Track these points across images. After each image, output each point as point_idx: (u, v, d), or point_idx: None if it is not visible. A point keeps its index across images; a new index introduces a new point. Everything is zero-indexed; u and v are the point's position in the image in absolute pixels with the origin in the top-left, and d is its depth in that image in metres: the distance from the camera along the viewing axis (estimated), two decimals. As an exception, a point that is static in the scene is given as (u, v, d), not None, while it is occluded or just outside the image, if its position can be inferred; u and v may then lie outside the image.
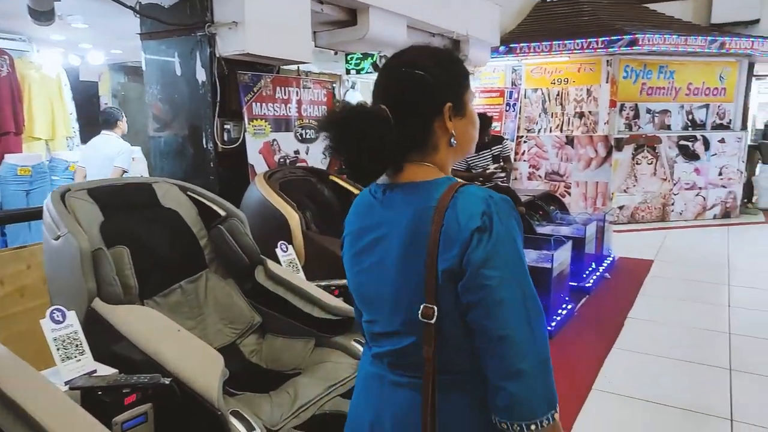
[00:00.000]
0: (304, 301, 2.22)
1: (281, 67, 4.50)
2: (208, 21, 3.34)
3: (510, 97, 8.06)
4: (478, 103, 8.23)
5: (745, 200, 8.46)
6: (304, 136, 3.88)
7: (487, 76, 8.33)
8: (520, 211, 4.78)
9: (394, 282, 0.99)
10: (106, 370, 1.73)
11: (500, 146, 5.00)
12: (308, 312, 2.18)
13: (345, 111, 0.98)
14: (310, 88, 3.89)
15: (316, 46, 4.69)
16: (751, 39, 7.27)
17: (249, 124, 3.49)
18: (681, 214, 7.72)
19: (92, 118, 8.62)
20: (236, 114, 3.54)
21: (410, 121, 0.99)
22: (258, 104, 3.54)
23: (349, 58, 8.60)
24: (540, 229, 4.97)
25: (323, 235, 2.75)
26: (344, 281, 1.60)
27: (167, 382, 1.57)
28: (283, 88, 3.70)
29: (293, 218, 2.60)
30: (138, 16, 3.47)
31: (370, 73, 8.98)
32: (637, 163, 7.49)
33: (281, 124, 3.72)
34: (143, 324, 1.80)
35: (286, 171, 3.10)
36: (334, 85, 4.05)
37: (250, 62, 3.60)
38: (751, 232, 7.09)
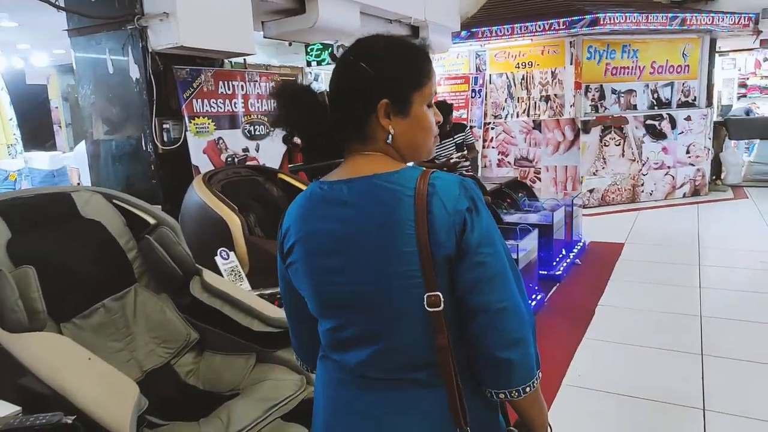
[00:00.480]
0: (242, 314, 2.03)
1: (234, 61, 4.28)
2: (138, 13, 3.10)
3: (475, 84, 7.91)
4: (443, 90, 8.07)
5: (714, 177, 8.48)
6: (252, 133, 3.67)
7: (451, 62, 8.16)
8: (486, 200, 4.66)
9: (375, 280, 0.94)
10: (7, 408, 1.53)
11: (463, 134, 4.85)
12: (247, 325, 2.00)
13: (279, 92, 1.01)
14: (256, 81, 3.67)
15: (265, 37, 4.46)
16: (711, 14, 7.24)
17: (190, 122, 3.26)
18: (651, 194, 7.69)
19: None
20: (176, 112, 3.31)
21: (345, 109, 0.98)
22: (199, 101, 3.32)
23: (309, 49, 8.36)
24: (507, 218, 4.84)
25: (270, 239, 2.56)
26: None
27: (69, 421, 1.38)
28: (226, 83, 3.48)
29: (234, 222, 2.40)
30: (61, 11, 3.20)
31: (331, 64, 8.77)
32: (605, 145, 7.43)
33: (227, 121, 3.50)
34: (48, 353, 1.60)
35: (229, 171, 2.89)
36: (278, 78, 3.83)
37: (188, 56, 3.37)
38: (720, 209, 7.09)
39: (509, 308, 0.93)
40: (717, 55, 8.64)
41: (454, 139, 4.79)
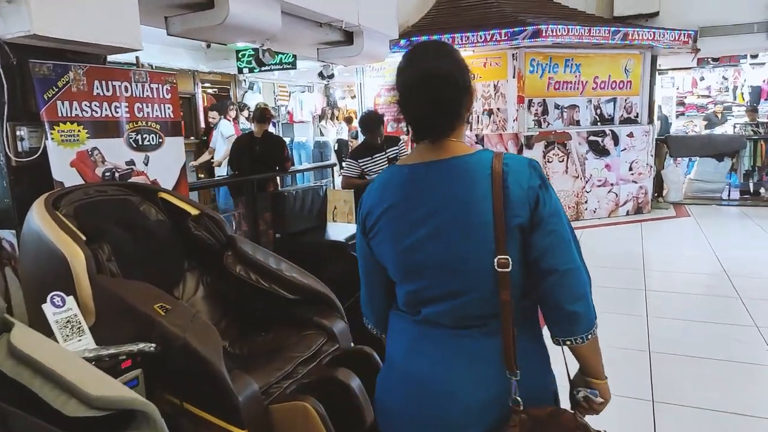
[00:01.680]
0: (56, 390, 1.47)
1: (146, 62, 3.69)
2: (-19, -7, 2.50)
3: (416, 95, 7.54)
4: (383, 101, 7.68)
5: (656, 194, 8.41)
6: (140, 143, 3.09)
7: (392, 72, 7.74)
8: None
9: (458, 246, 1.11)
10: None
11: (396, 148, 4.41)
12: (59, 407, 1.44)
13: (419, 72, 1.15)
14: (145, 82, 3.10)
15: (168, 34, 3.90)
16: (653, 30, 7.16)
17: (52, 129, 2.66)
18: (595, 212, 7.50)
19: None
20: (36, 116, 2.70)
21: (444, 99, 1.14)
22: (66, 103, 2.72)
23: (240, 55, 7.79)
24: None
25: (131, 277, 2.01)
26: (146, 345, 1.60)
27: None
28: (104, 83, 2.89)
29: (77, 257, 1.84)
30: None
31: (267, 70, 8.23)
32: (549, 161, 7.19)
33: (104, 129, 2.91)
34: None
35: (90, 189, 2.32)
36: (174, 80, 3.28)
37: (55, 49, 2.77)
38: (663, 228, 6.95)
39: (574, 269, 1.12)
40: (657, 72, 8.63)
41: (386, 153, 4.35)
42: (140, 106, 3.13)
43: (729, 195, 8.77)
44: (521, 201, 1.09)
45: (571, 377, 1.26)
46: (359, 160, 4.31)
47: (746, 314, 3.82)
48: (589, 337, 1.14)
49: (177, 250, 2.46)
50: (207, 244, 2.44)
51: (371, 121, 4.22)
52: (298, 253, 3.40)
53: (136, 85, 3.09)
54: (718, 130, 10.39)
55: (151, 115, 3.18)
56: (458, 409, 1.14)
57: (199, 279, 2.49)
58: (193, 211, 2.50)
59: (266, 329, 2.37)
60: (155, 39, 6.70)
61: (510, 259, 1.08)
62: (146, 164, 3.16)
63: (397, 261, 1.18)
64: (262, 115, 5.15)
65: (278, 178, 6.01)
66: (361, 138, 4.83)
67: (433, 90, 1.13)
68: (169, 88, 3.27)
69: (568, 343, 1.15)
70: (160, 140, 3.22)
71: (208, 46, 6.21)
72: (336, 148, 10.49)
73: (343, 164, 4.41)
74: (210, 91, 8.96)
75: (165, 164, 3.24)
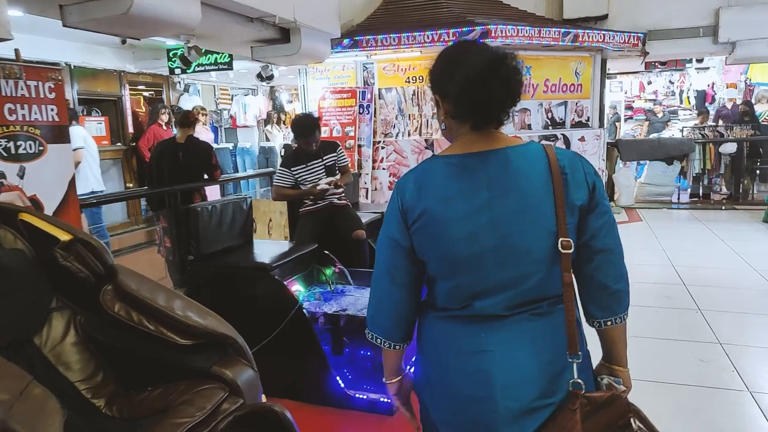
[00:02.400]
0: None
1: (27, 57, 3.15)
2: None
3: (363, 98, 7.16)
4: (328, 104, 7.25)
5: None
6: (13, 152, 2.57)
7: (337, 74, 7.37)
8: (358, 235, 3.79)
9: (520, 232, 1.13)
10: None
11: (334, 154, 3.98)
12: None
13: (491, 56, 1.13)
14: (19, 79, 2.59)
15: (64, 25, 3.38)
16: (603, 32, 7.01)
17: None
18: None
19: None
20: None
21: (505, 95, 1.16)
22: None
23: (171, 54, 7.20)
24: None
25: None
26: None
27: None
28: (-40, 79, 2.38)
29: None
30: None
31: (201, 71, 7.68)
32: (501, 167, 6.92)
33: (-39, 135, 2.39)
34: None
35: None
36: (59, 76, 2.77)
37: None
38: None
39: (620, 249, 1.23)
40: (606, 76, 8.55)
41: (323, 160, 3.91)
42: (13, 107, 2.61)
43: (679, 198, 8.75)
44: (581, 184, 1.17)
45: (593, 366, 1.29)
46: (292, 169, 3.86)
47: (708, 330, 3.58)
48: (625, 316, 1.24)
49: (39, 286, 1.96)
50: (80, 278, 1.96)
51: (305, 125, 3.78)
52: (213, 281, 2.94)
53: (7, 82, 2.57)
54: (666, 134, 10.46)
55: (27, 118, 2.66)
56: (529, 394, 1.14)
57: (70, 320, 2.01)
58: (63, 237, 2.00)
59: (153, 383, 1.91)
60: (75, 36, 6.09)
61: (572, 241, 1.14)
62: (22, 177, 2.63)
63: (450, 252, 1.16)
64: (185, 117, 4.64)
65: (222, 187, 5.50)
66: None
67: (506, 74, 1.13)
68: (52, 85, 2.76)
69: (609, 323, 1.23)
70: (41, 148, 2.70)
71: (123, 42, 5.64)
72: (283, 153, 9.98)
73: (275, 173, 3.96)
74: (146, 94, 8.33)
75: (47, 177, 2.72)
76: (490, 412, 1.14)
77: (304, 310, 2.76)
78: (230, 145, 10.37)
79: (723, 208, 8.19)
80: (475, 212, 1.14)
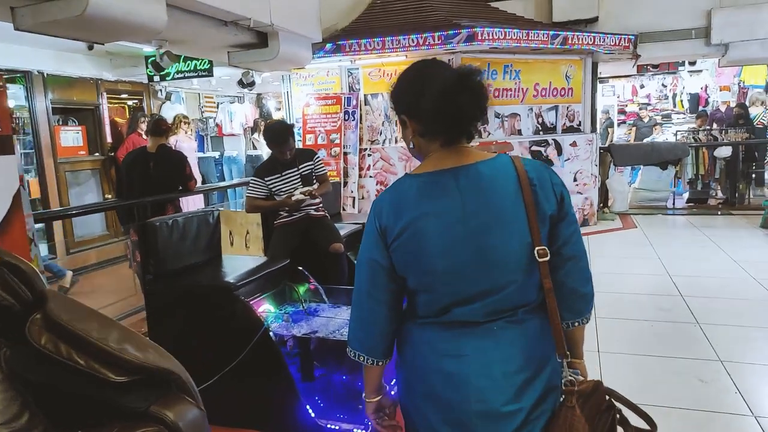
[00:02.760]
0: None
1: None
2: None
3: (348, 104, 6.96)
4: (312, 111, 7.05)
5: (601, 205, 8.11)
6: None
7: (321, 80, 7.18)
8: (336, 249, 3.57)
9: (496, 243, 1.18)
10: None
11: (311, 163, 3.77)
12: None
13: (459, 72, 1.21)
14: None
15: (16, 29, 3.16)
16: (593, 34, 6.85)
17: None
18: (540, 225, 7.08)
19: None
20: None
21: (471, 113, 1.23)
22: None
23: (150, 62, 6.98)
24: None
25: None
26: None
27: None
28: None
29: None
30: None
31: (180, 78, 7.46)
32: (491, 173, 6.72)
33: None
34: None
35: None
36: (1, 82, 2.55)
37: None
38: (611, 242, 6.58)
39: (585, 254, 1.29)
40: (598, 80, 8.39)
41: (299, 169, 3.70)
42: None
43: (674, 203, 8.57)
44: (549, 195, 1.21)
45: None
46: (266, 179, 3.65)
47: (707, 345, 3.38)
48: (589, 317, 1.31)
49: (-45, 316, 1.73)
50: (3, 306, 1.73)
51: (277, 132, 3.56)
52: (172, 302, 2.72)
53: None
54: (659, 138, 10.30)
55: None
56: (499, 398, 1.18)
57: (-7, 355, 1.77)
58: (-14, 263, 1.77)
59: (83, 425, 1.68)
60: (47, 43, 5.88)
61: (547, 249, 1.20)
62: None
63: (429, 267, 1.19)
64: (157, 126, 4.42)
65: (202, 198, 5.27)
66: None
67: (475, 89, 1.19)
68: (-7, 92, 2.54)
69: (576, 324, 1.29)
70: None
71: (90, 47, 5.42)
72: (269, 162, 9.75)
73: (249, 183, 3.74)
74: (130, 102, 8.11)
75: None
76: (465, 413, 1.19)
77: (270, 333, 2.53)
78: (216, 154, 10.15)
79: (719, 213, 8.01)
80: (451, 227, 1.17)
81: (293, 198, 3.58)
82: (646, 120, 10.88)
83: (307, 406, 2.53)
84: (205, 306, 2.66)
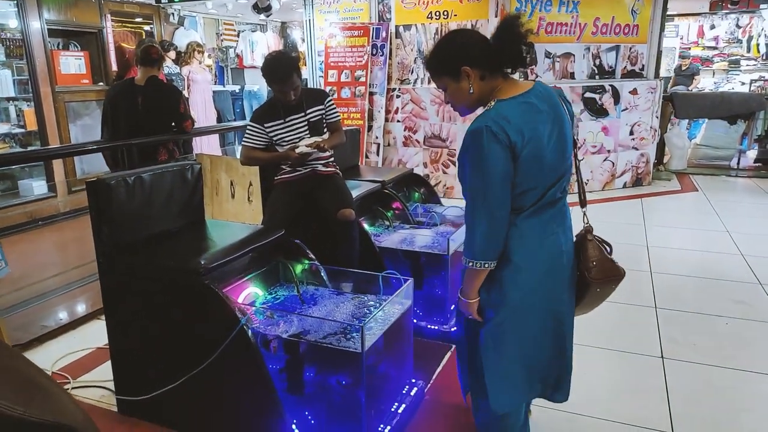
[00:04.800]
0: None
1: None
2: None
3: (377, 37, 6.13)
4: (336, 43, 6.25)
5: (656, 162, 7.21)
6: None
7: (347, 7, 6.33)
8: (345, 216, 2.96)
9: (567, 142, 1.59)
10: None
11: (321, 107, 3.07)
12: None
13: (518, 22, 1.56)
14: None
15: None
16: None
17: None
18: (587, 184, 6.28)
19: None
20: None
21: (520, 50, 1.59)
22: None
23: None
24: (385, 240, 3.19)
25: None
26: None
27: None
28: None
29: None
30: None
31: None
32: (535, 123, 5.90)
33: None
34: None
35: None
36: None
37: None
38: (669, 208, 5.77)
39: None
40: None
41: (306, 114, 3.02)
42: None
43: (738, 164, 7.58)
44: (570, 115, 1.66)
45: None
46: (266, 125, 2.99)
47: (802, 359, 2.69)
48: None
49: None
50: None
51: (277, 66, 2.85)
52: (128, 287, 2.16)
53: None
54: (726, 88, 9.12)
55: None
56: (570, 242, 1.71)
57: None
58: None
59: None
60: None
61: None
62: None
63: (544, 168, 1.53)
64: (146, 54, 3.74)
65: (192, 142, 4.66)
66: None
67: (523, 26, 1.56)
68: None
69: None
70: None
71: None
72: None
73: (246, 129, 3.09)
74: (147, 28, 7.40)
75: None
76: (560, 263, 1.67)
77: (248, 332, 1.96)
78: (236, 88, 9.46)
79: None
80: (551, 134, 1.53)
81: (297, 151, 2.93)
82: (684, 68, 9.58)
83: (293, 425, 1.99)
84: (168, 293, 2.09)
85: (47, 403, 1.12)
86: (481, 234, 1.53)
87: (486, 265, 1.55)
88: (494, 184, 1.49)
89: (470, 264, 1.56)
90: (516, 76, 1.64)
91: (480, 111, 1.59)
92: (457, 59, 1.56)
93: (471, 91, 1.57)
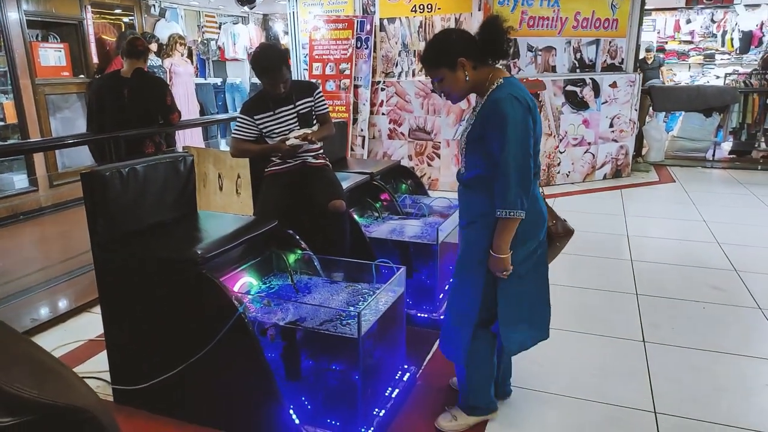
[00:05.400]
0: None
1: None
2: None
3: (361, 30, 6.15)
4: (320, 36, 6.26)
5: (634, 153, 7.37)
6: None
7: (331, 0, 6.33)
8: (336, 207, 3.00)
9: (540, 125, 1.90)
10: None
11: (310, 99, 3.11)
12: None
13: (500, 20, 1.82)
14: None
15: None
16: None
17: None
18: (568, 175, 6.41)
19: None
20: None
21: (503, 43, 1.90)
22: None
23: (137, -29, 6.14)
24: (375, 230, 3.24)
25: None
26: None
27: None
28: None
29: None
30: None
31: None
32: (518, 115, 5.99)
33: None
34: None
35: None
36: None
37: None
38: (648, 198, 5.92)
39: None
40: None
41: (296, 106, 3.05)
42: None
43: (714, 155, 7.80)
44: None
45: None
46: (256, 117, 3.01)
47: (775, 341, 2.82)
48: None
49: None
50: None
51: (266, 59, 2.88)
52: (124, 277, 2.18)
53: None
54: (701, 81, 9.34)
55: None
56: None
57: None
58: None
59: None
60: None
61: None
62: None
63: (538, 134, 1.85)
64: (132, 46, 3.73)
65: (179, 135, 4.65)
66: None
67: (501, 27, 1.82)
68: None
69: None
70: None
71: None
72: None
73: (235, 121, 3.11)
74: (125, 19, 7.30)
75: None
76: (544, 222, 1.99)
77: (245, 320, 2.00)
78: (218, 81, 9.40)
79: (759, 168, 7.26)
80: (536, 110, 1.84)
81: (287, 142, 2.96)
82: (650, 62, 9.71)
83: (290, 410, 2.04)
84: (165, 283, 2.12)
85: (60, 387, 1.16)
86: (516, 182, 1.75)
87: (520, 214, 1.77)
88: (525, 138, 1.75)
89: (507, 214, 1.77)
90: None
91: (472, 99, 1.97)
92: (455, 52, 1.82)
93: (467, 78, 1.84)
